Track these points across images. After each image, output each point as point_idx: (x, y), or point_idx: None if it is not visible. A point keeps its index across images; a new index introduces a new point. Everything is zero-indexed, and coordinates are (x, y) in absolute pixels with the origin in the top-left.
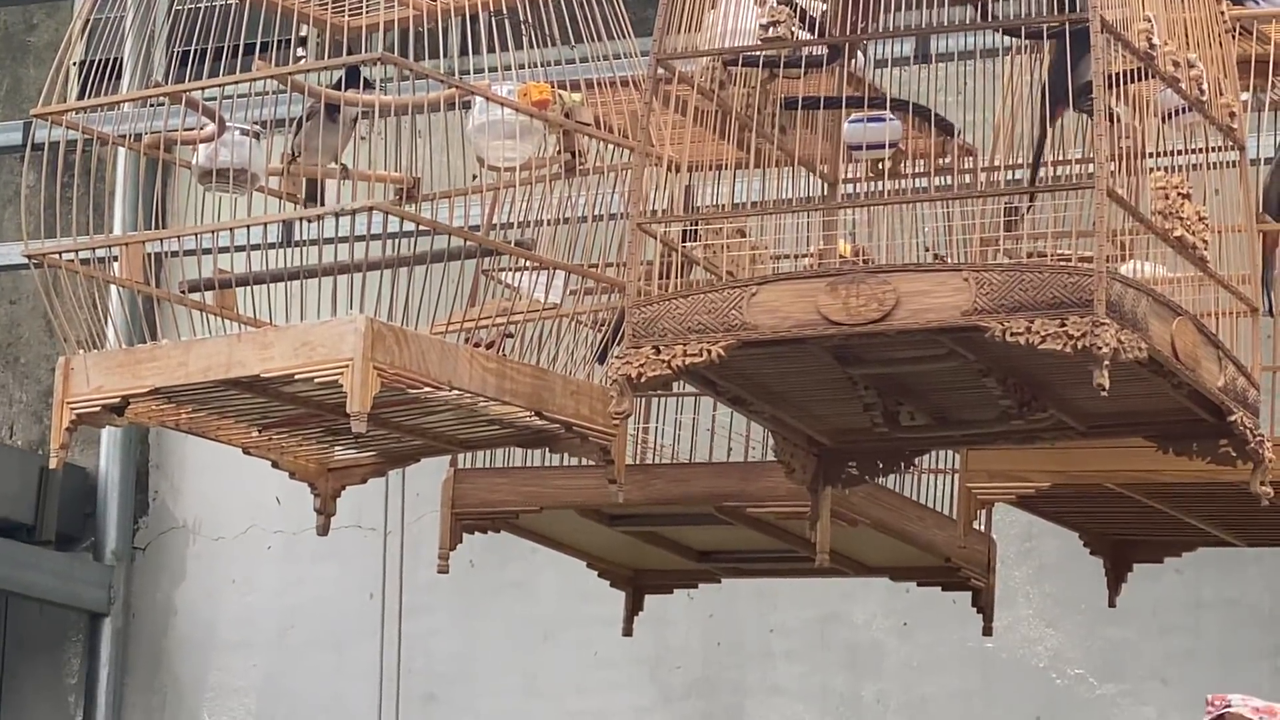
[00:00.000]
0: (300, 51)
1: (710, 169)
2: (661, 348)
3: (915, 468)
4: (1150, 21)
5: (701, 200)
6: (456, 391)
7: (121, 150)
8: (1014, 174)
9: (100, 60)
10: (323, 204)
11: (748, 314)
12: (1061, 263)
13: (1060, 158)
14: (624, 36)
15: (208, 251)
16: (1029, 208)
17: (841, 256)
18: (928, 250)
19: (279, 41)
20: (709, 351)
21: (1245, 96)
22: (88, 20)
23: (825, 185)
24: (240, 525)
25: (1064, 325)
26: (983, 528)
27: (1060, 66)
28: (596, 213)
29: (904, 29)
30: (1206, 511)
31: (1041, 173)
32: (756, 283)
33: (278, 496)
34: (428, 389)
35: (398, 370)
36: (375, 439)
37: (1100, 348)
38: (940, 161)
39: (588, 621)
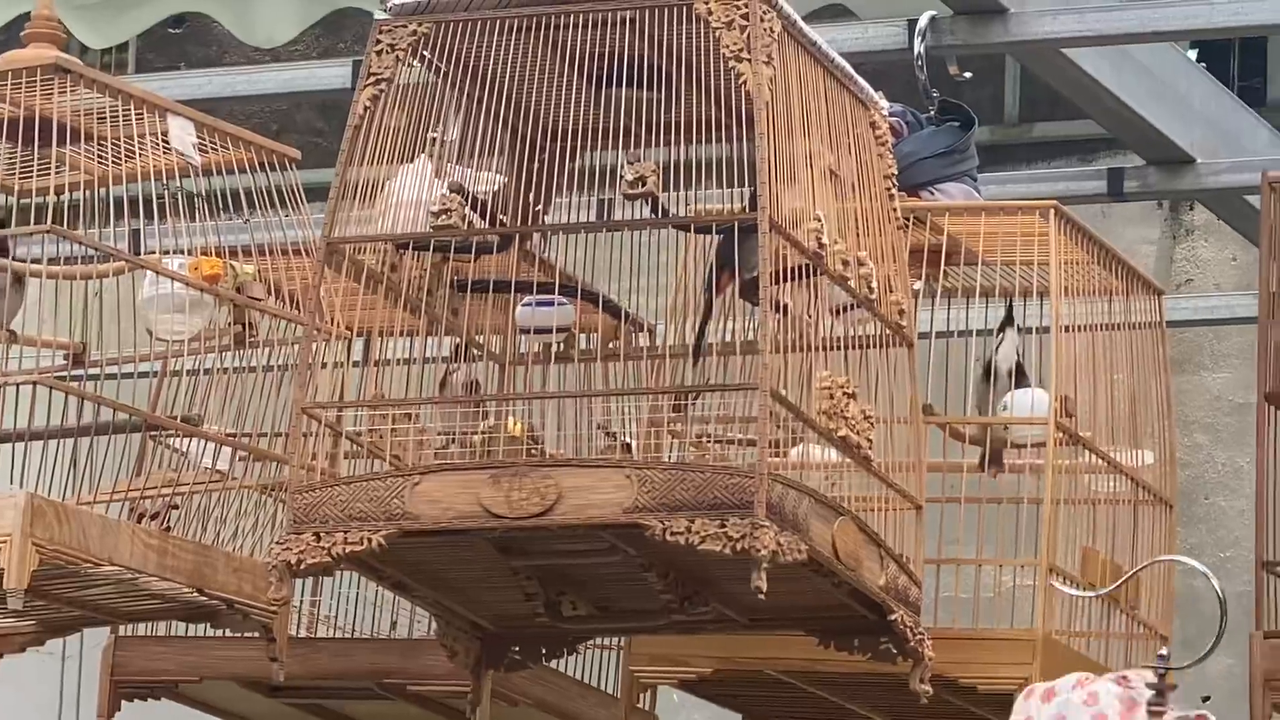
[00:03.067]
0: None
1: (384, 334)
2: (323, 534)
3: (580, 649)
4: (820, 220)
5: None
6: (117, 567)
7: None
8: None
9: None
10: None
11: (410, 503)
12: (723, 463)
13: (727, 342)
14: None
15: None
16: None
17: (511, 436)
18: (599, 428)
19: None
20: (370, 540)
21: (918, 285)
22: None
23: (497, 366)
24: None
25: (724, 526)
26: (648, 706)
27: (729, 239)
28: (266, 384)
29: (576, 221)
30: (869, 700)
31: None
32: (420, 472)
33: None
34: (87, 564)
35: (57, 546)
36: (35, 609)
37: (759, 550)
38: (611, 345)
39: None
